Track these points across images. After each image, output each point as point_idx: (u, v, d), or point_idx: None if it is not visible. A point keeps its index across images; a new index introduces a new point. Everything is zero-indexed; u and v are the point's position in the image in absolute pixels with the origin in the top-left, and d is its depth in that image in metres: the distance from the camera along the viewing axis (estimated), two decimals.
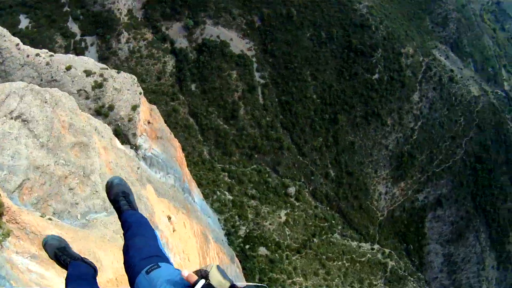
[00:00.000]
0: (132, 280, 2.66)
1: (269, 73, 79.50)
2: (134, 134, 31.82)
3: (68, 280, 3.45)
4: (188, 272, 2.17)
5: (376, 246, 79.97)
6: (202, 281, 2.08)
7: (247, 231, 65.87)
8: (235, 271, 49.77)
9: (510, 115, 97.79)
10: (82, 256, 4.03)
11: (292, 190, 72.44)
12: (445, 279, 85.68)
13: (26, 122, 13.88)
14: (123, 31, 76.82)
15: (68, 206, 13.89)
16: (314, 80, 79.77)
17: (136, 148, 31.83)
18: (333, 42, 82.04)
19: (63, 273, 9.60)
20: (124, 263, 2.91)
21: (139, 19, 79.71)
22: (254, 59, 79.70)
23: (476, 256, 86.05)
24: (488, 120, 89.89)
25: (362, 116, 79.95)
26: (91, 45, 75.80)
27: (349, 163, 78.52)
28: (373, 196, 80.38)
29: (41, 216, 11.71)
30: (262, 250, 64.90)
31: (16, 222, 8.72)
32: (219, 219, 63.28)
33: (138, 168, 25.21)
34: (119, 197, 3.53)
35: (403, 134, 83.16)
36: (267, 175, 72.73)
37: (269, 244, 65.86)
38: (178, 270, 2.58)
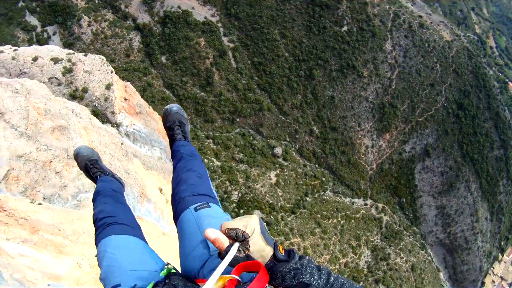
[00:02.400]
0: (177, 214, 2.56)
1: (237, 36, 77.72)
2: (113, 112, 30.42)
3: (97, 194, 3.27)
4: (215, 231, 1.53)
5: (369, 201, 79.63)
6: (235, 250, 1.50)
7: (240, 195, 64.65)
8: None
9: (485, 59, 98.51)
10: (112, 172, 3.88)
11: (278, 150, 71.05)
12: (440, 233, 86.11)
13: (1, 114, 14.00)
14: (83, 15, 74.25)
15: (57, 189, 13.80)
16: (284, 38, 78.21)
17: (117, 125, 30.37)
18: None
19: (60, 254, 9.32)
20: (173, 195, 2.76)
21: (96, 1, 77.10)
22: (219, 24, 77.80)
23: (468, 207, 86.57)
24: (465, 65, 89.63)
25: (337, 70, 78.75)
26: (53, 34, 73.50)
27: (332, 118, 77.52)
28: (360, 150, 79.63)
29: (30, 203, 11.65)
30: (257, 213, 62.79)
31: (4, 210, 8.68)
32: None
33: (122, 144, 24.64)
34: (175, 125, 3.48)
35: (382, 85, 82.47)
36: (251, 138, 71.18)
37: (263, 207, 64.77)
38: (227, 214, 2.42)
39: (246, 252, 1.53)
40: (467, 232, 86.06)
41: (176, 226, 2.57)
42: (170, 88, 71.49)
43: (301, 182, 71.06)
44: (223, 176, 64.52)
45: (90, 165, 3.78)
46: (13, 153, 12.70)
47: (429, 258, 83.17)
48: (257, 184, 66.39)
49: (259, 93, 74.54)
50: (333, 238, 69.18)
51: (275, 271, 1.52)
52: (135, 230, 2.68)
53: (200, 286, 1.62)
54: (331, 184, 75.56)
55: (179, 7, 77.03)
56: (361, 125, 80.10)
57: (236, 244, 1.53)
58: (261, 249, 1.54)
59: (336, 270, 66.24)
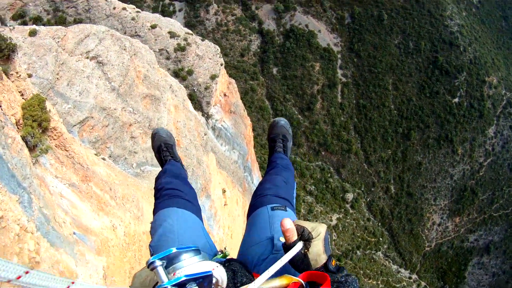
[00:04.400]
0: (253, 209, 2.59)
1: (351, 72, 77.69)
2: (208, 103, 31.68)
3: (163, 173, 3.28)
4: (291, 222, 1.62)
5: (414, 276, 77.39)
6: (299, 246, 1.58)
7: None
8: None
9: None
10: (182, 163, 3.91)
11: (350, 196, 70.79)
12: None
13: (101, 64, 13.81)
14: (213, 2, 76.58)
15: (126, 152, 13.76)
16: (395, 90, 77.26)
17: (207, 116, 31.67)
18: (419, 54, 78.94)
19: (101, 211, 8.96)
20: (255, 191, 2.84)
21: None
22: (339, 56, 77.92)
23: None
24: None
25: (435, 138, 76.77)
26: (179, 10, 76.03)
27: (412, 184, 75.92)
28: (426, 224, 77.51)
29: (95, 154, 11.54)
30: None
31: (66, 150, 8.59)
32: None
33: (205, 134, 25.16)
34: (278, 138, 3.48)
35: (471, 168, 79.44)
36: (329, 175, 71.44)
37: None
38: None
39: (305, 251, 1.62)
40: None
41: (247, 219, 2.64)
42: (271, 100, 72.67)
43: (358, 234, 70.47)
44: None
45: (164, 147, 3.82)
46: (99, 103, 12.66)
47: None
48: (316, 221, 66.30)
49: (353, 135, 74.21)
50: None
51: None
52: (198, 211, 2.75)
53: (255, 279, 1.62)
54: (385, 246, 74.27)
55: (306, 25, 77.95)
56: (436, 200, 77.80)
57: (300, 243, 1.61)
58: (318, 253, 1.62)
59: None
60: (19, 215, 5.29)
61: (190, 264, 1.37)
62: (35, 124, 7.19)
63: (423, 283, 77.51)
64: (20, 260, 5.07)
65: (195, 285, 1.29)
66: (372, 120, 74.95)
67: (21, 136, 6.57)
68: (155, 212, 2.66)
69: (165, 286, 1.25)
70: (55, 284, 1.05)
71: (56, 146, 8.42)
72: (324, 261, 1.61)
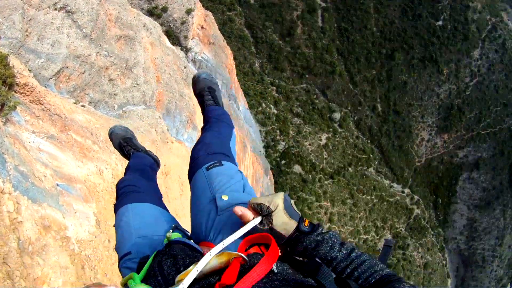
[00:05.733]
0: (191, 173, 2.48)
1: None
2: (186, 37, 31.61)
3: (128, 169, 3.26)
4: (242, 209, 1.66)
5: (406, 190, 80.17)
6: (257, 220, 1.60)
7: (286, 147, 66.37)
8: (266, 183, 50.47)
9: None
10: (146, 149, 3.87)
11: (337, 115, 72.20)
12: (463, 243, 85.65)
13: (70, 13, 13.23)
14: None
15: (106, 96, 13.62)
16: (377, 13, 77.28)
17: (186, 50, 31.70)
18: None
19: (84, 157, 8.85)
20: (190, 156, 2.64)
21: None
22: None
23: (497, 230, 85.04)
24: None
25: (419, 59, 77.63)
26: None
27: (398, 102, 77.35)
28: (415, 140, 79.48)
29: (74, 103, 11.48)
30: (297, 168, 65.60)
31: (41, 103, 8.36)
32: (260, 131, 64.00)
33: (185, 67, 24.57)
34: (205, 92, 3.33)
35: (457, 87, 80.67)
36: (315, 97, 72.56)
37: (305, 164, 66.46)
38: (240, 172, 2.33)
39: (270, 225, 1.59)
40: (487, 252, 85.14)
41: (190, 188, 2.49)
42: (250, 28, 72.57)
43: (349, 152, 72.28)
44: (276, 124, 66.38)
45: (124, 143, 3.79)
46: (72, 52, 12.16)
47: (444, 262, 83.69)
48: (306, 141, 68.23)
49: (336, 58, 74.75)
50: (361, 213, 71.14)
51: (298, 243, 1.57)
52: (154, 198, 2.67)
53: (203, 250, 1.63)
54: (376, 162, 76.58)
55: None
56: (424, 118, 79.51)
57: (259, 218, 1.59)
58: (284, 222, 1.59)
59: (354, 243, 67.78)
60: None
61: None
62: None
63: (416, 197, 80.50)
64: (1, 224, 4.94)
65: None
66: (355, 42, 75.43)
67: None
68: (115, 212, 2.62)
69: None
70: None
71: (30, 102, 8.16)
72: (294, 226, 1.60)
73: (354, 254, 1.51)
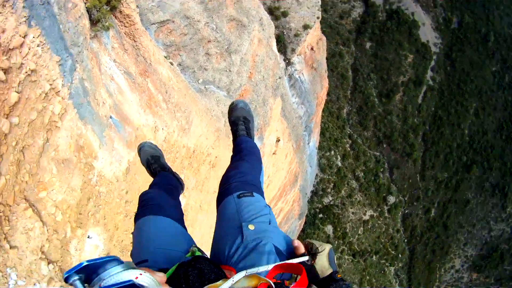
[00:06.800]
0: (221, 197, 2.52)
1: (441, 79, 74.05)
2: (293, 50, 30.67)
3: (153, 185, 3.28)
4: (299, 242, 1.90)
5: None
6: (305, 258, 1.81)
7: (331, 203, 62.27)
8: (295, 226, 48.27)
9: None
10: (173, 171, 3.90)
11: (392, 199, 67.89)
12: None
13: None
14: None
15: (196, 66, 13.55)
16: (475, 116, 73.49)
17: (288, 63, 30.79)
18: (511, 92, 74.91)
19: (148, 108, 8.85)
20: (221, 181, 2.75)
21: None
22: (434, 57, 74.20)
23: None
24: None
25: (492, 184, 72.87)
26: None
27: (452, 217, 72.46)
28: (446, 264, 73.98)
29: (165, 56, 11.47)
30: (329, 229, 61.50)
31: (134, 40, 8.46)
32: (317, 175, 59.81)
33: (279, 78, 24.27)
34: (240, 121, 3.45)
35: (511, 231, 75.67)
36: (381, 170, 68.32)
37: (338, 229, 62.27)
38: (269, 207, 2.37)
39: (312, 262, 1.77)
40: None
41: (217, 211, 2.53)
42: (354, 71, 69.53)
43: (382, 241, 67.62)
44: (334, 176, 62.26)
45: (152, 161, 3.77)
46: (184, 11, 12.43)
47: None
48: (351, 208, 63.83)
49: (418, 142, 70.83)
50: None
51: (326, 286, 1.71)
52: (176, 216, 2.63)
53: (226, 272, 1.61)
54: (400, 265, 71.14)
55: (412, 14, 74.40)
56: (465, 246, 74.69)
57: (307, 257, 1.79)
58: (324, 265, 1.77)
59: None
60: (55, 76, 5.15)
61: (114, 273, 1.27)
62: (104, 0, 7.11)
63: None
64: (39, 119, 4.97)
65: None
66: (443, 135, 71.22)
67: (86, 7, 6.47)
68: (135, 222, 2.65)
69: None
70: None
71: (125, 34, 8.20)
72: (329, 272, 1.79)
73: None
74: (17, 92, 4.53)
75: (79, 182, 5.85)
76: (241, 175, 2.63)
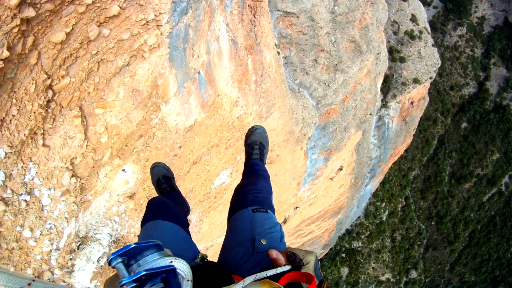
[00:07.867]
0: (235, 208, 2.57)
1: None
2: (394, 96, 30.59)
3: (160, 203, 3.10)
4: (276, 253, 1.82)
5: None
6: (286, 268, 1.75)
7: (358, 249, 62.29)
8: (315, 256, 49.43)
9: None
10: (181, 194, 3.91)
11: (413, 274, 67.05)
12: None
13: None
14: (465, 26, 71.37)
15: (299, 66, 13.89)
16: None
17: (384, 105, 30.70)
18: None
19: (237, 82, 8.50)
20: (235, 193, 2.86)
21: None
22: None
23: None
24: None
25: None
26: (434, 7, 71.13)
27: None
28: None
29: (275, 44, 11.62)
30: (344, 271, 61.62)
31: (253, 15, 8.59)
32: (359, 217, 59.68)
33: (370, 114, 25.21)
34: (256, 145, 3.54)
35: None
36: (418, 243, 67.70)
37: (353, 275, 62.16)
38: (279, 224, 2.39)
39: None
40: None
41: (228, 222, 2.59)
42: (441, 144, 68.20)
43: None
44: (373, 227, 62.24)
45: (162, 180, 3.85)
46: (312, 12, 12.59)
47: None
48: (374, 262, 63.85)
49: (465, 236, 69.45)
50: None
51: None
52: (182, 223, 2.68)
53: (235, 281, 1.58)
54: None
55: None
56: None
57: (289, 266, 1.73)
58: None
59: None
60: (163, 10, 4.92)
61: (152, 260, 1.30)
62: None
63: None
64: (129, 41, 4.80)
65: (159, 281, 1.24)
66: (489, 241, 68.89)
67: None
68: (142, 225, 2.66)
69: (125, 282, 1.17)
70: None
71: (248, 6, 8.23)
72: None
73: None
74: (120, 7, 4.42)
75: (139, 116, 5.72)
76: (257, 191, 2.72)
